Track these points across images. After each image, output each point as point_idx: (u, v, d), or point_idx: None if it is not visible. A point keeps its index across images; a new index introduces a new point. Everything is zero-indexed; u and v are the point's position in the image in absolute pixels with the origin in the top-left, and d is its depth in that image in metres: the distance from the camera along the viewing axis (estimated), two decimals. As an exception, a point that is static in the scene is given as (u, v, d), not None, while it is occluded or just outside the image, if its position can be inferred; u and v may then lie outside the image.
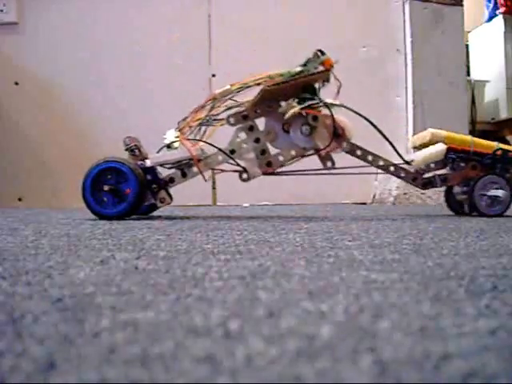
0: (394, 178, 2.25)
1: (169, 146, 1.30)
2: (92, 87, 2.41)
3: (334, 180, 2.35)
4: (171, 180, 1.28)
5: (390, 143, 1.35)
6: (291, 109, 1.25)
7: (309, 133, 1.26)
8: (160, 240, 0.77)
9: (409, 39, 2.55)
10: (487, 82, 3.91)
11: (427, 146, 1.38)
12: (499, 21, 4.10)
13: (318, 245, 0.70)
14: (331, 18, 2.51)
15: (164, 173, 1.31)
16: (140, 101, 2.39)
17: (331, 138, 1.27)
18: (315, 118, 1.26)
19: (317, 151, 1.30)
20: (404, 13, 2.61)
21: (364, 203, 2.36)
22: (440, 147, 1.34)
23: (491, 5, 4.42)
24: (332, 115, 1.27)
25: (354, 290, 0.42)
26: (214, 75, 2.34)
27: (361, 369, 0.24)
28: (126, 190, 1.22)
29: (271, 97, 1.26)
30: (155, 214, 1.43)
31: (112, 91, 2.40)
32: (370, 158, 1.33)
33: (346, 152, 1.32)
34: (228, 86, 1.29)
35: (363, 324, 0.32)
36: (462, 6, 2.77)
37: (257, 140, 1.27)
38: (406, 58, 2.55)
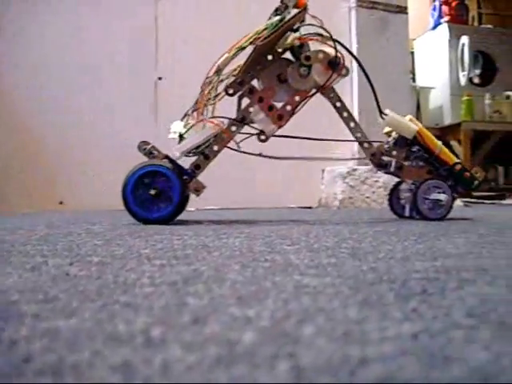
0: (340, 183, 2.27)
1: (181, 137, 1.27)
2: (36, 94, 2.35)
3: (280, 184, 2.37)
4: (197, 167, 1.27)
5: (373, 90, 1.40)
6: (290, 42, 1.29)
7: (307, 73, 1.29)
8: (97, 245, 0.76)
9: (354, 45, 2.58)
10: (432, 88, 3.99)
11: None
12: (444, 29, 4.20)
13: (257, 249, 0.70)
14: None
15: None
16: (84, 105, 2.35)
17: (332, 70, 1.30)
18: (307, 58, 1.28)
19: (318, 89, 1.33)
20: (350, 19, 2.64)
21: (310, 207, 2.38)
22: (412, 126, 1.35)
23: (436, 13, 4.52)
24: (335, 42, 1.31)
25: (285, 294, 0.42)
26: (160, 78, 2.32)
27: (276, 375, 0.24)
28: (169, 192, 1.20)
29: (262, 53, 1.28)
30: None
31: (47, 95, 2.35)
32: (345, 114, 1.36)
33: (328, 98, 1.35)
34: (226, 55, 1.28)
35: (288, 329, 0.32)
36: (406, 14, 2.81)
37: (260, 99, 1.29)
38: (351, 63, 2.57)
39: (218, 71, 1.27)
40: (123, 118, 2.27)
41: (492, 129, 3.73)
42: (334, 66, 1.30)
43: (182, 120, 1.30)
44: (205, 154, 1.27)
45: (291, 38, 1.29)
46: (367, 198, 2.27)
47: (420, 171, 1.35)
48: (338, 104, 1.36)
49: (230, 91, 1.28)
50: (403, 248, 0.72)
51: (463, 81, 3.93)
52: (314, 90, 1.33)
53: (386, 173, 1.40)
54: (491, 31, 4.40)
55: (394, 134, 1.38)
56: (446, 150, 1.37)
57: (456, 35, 4.11)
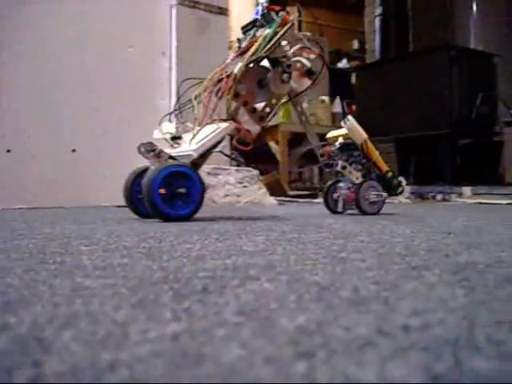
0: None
1: (175, 138, 1.35)
2: None
3: (93, 182, 2.31)
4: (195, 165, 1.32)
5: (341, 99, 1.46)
6: (283, 52, 1.39)
7: (288, 79, 1.40)
8: None
9: (174, 43, 2.58)
10: (252, 89, 4.08)
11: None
12: (265, 32, 4.32)
13: (49, 250, 0.67)
14: (99, 13, 2.45)
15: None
16: None
17: (312, 78, 1.48)
18: (289, 66, 1.40)
19: (294, 96, 1.50)
20: (171, 17, 2.63)
21: (125, 206, 2.32)
22: (364, 134, 1.56)
23: (258, 17, 4.65)
24: (322, 55, 1.50)
25: (58, 298, 0.40)
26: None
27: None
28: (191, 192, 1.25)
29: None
30: None
31: None
32: (303, 117, 1.56)
33: (294, 103, 1.54)
34: (240, 64, 1.35)
35: (45, 335, 0.31)
36: (227, 15, 2.86)
37: (245, 103, 1.37)
38: (170, 62, 2.57)
39: (234, 78, 1.34)
40: None
41: (308, 130, 3.90)
42: (311, 75, 1.47)
43: (170, 121, 1.39)
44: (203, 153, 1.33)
45: (292, 50, 1.42)
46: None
47: (357, 173, 1.56)
48: (299, 108, 1.55)
49: (219, 94, 1.36)
50: (202, 246, 0.73)
51: (282, 84, 4.07)
52: (287, 97, 1.49)
53: (330, 171, 1.60)
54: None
55: (340, 140, 1.58)
56: (381, 158, 1.60)
57: (276, 39, 4.24)
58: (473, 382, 0.24)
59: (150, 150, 1.27)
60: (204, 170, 2.35)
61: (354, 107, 4.30)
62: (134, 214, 1.38)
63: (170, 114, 1.45)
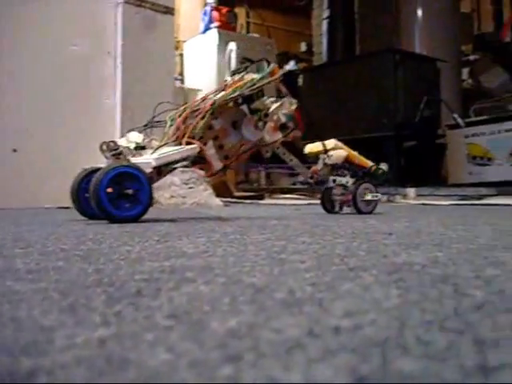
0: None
1: (140, 148, 1.34)
2: None
3: (36, 182, 2.26)
4: (150, 179, 1.30)
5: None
6: (264, 105, 1.48)
7: (262, 128, 1.46)
8: None
9: (119, 42, 2.54)
10: (199, 90, 4.08)
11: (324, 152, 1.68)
12: (213, 33, 4.34)
13: (-20, 254, 0.66)
14: (40, 11, 2.40)
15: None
16: None
17: (284, 133, 1.54)
18: (266, 116, 1.46)
19: (264, 145, 1.53)
20: (116, 15, 2.60)
21: (68, 207, 2.29)
22: (344, 153, 1.68)
23: (206, 18, 4.65)
24: (301, 108, 1.57)
25: (-16, 303, 0.39)
26: None
27: None
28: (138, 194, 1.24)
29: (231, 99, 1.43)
30: None
31: None
32: (286, 153, 1.64)
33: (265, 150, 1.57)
34: (223, 92, 1.42)
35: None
36: (173, 15, 2.84)
37: (215, 138, 1.41)
38: (116, 61, 2.54)
39: (213, 104, 1.38)
40: None
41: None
42: (284, 129, 1.53)
43: (140, 132, 1.39)
44: (160, 169, 1.33)
45: (274, 106, 1.49)
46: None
47: (346, 178, 1.70)
48: (279, 148, 1.62)
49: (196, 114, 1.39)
50: (141, 249, 0.72)
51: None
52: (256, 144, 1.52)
53: (321, 188, 1.73)
54: (257, 40, 4.64)
55: (322, 156, 1.67)
56: (362, 157, 1.74)
57: (225, 41, 4.26)
58: (397, 382, 0.25)
59: (112, 148, 1.26)
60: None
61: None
62: (80, 214, 1.35)
63: (137, 128, 1.45)
